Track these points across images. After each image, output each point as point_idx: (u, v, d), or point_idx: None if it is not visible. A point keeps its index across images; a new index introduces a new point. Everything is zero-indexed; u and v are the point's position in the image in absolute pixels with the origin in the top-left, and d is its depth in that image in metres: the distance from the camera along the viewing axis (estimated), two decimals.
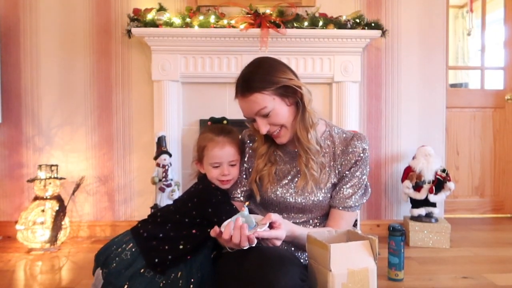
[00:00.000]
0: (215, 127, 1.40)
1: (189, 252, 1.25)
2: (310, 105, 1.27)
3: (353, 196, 1.31)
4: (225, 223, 1.10)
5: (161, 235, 1.27)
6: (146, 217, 1.38)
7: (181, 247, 1.25)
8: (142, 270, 1.22)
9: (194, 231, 1.27)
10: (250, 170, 1.38)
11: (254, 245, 1.06)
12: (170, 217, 1.31)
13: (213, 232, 1.09)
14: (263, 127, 1.25)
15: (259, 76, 1.23)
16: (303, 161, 1.28)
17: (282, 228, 1.11)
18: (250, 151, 1.40)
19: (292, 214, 1.34)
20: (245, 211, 1.12)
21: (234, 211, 1.26)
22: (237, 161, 1.36)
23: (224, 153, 1.32)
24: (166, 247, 1.24)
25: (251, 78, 1.23)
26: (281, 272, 1.01)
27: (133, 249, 1.25)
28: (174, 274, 1.22)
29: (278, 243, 1.11)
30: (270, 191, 1.33)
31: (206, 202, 1.29)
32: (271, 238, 1.09)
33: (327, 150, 1.33)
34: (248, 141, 1.41)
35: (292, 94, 1.25)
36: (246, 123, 1.38)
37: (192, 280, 1.22)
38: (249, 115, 1.27)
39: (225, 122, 1.46)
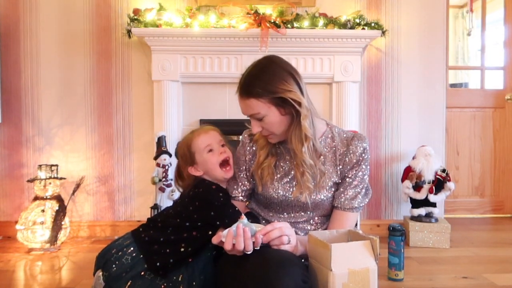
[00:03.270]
0: (191, 130, 1.47)
1: (190, 255, 1.25)
2: (305, 121, 1.24)
3: (357, 197, 1.31)
4: (225, 232, 1.10)
5: (162, 239, 1.27)
6: (145, 219, 1.39)
7: (182, 250, 1.25)
8: (142, 273, 1.22)
9: (194, 233, 1.27)
10: (250, 168, 1.39)
11: (258, 248, 1.06)
12: (171, 221, 1.31)
13: (215, 239, 1.11)
14: (255, 128, 1.29)
15: (259, 82, 1.22)
16: (299, 171, 1.29)
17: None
18: (251, 150, 1.40)
19: (293, 213, 1.34)
20: (244, 219, 1.12)
21: (237, 214, 1.26)
22: (225, 142, 1.40)
23: (210, 136, 1.38)
24: (168, 250, 1.25)
25: (252, 82, 1.23)
26: (282, 273, 1.01)
27: (134, 253, 1.25)
28: (176, 277, 1.22)
29: (286, 240, 1.11)
30: (271, 189, 1.33)
31: (208, 205, 1.29)
32: (276, 237, 1.09)
33: (328, 149, 1.33)
34: (248, 141, 1.42)
35: (288, 106, 1.24)
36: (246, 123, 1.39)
37: (194, 283, 1.22)
38: (244, 114, 1.31)
39: None
